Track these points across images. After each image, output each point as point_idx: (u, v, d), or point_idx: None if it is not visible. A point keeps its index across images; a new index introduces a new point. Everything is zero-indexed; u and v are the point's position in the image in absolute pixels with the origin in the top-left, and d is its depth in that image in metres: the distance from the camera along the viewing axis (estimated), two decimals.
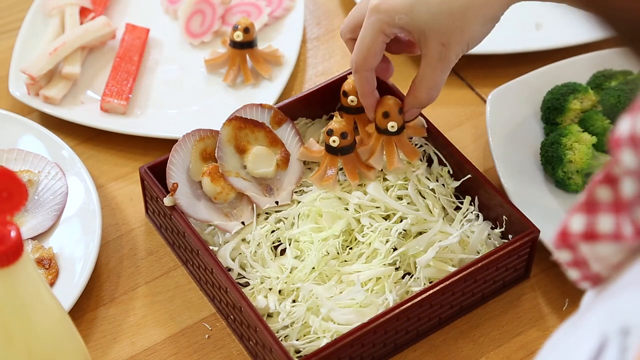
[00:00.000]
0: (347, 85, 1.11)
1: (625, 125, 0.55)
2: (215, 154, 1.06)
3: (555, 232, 0.61)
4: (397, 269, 1.03)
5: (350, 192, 1.06)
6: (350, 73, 1.10)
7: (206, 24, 1.28)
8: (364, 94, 1.06)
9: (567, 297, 1.05)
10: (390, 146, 1.07)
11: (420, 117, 1.10)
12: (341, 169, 1.08)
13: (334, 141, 1.06)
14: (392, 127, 1.07)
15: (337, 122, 1.07)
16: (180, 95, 1.24)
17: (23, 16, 1.29)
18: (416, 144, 1.11)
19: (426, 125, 1.10)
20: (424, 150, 1.11)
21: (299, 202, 1.07)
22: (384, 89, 1.10)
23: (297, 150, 1.10)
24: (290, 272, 1.02)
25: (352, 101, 1.10)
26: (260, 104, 1.10)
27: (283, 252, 1.05)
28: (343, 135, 1.06)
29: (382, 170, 1.08)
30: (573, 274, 0.62)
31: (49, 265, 1.04)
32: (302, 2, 1.31)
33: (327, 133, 1.07)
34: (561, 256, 0.61)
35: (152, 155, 1.17)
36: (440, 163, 1.10)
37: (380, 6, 0.99)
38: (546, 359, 0.59)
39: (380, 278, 1.01)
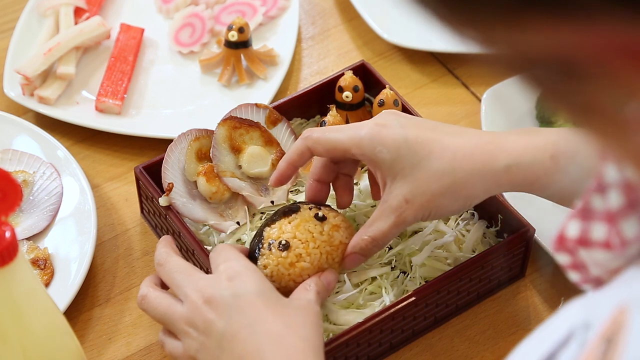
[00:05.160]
0: (343, 81, 1.11)
1: None
2: (211, 154, 1.06)
3: (554, 236, 0.61)
4: (392, 268, 1.03)
5: None
6: (347, 70, 1.10)
7: (195, 36, 1.28)
8: (291, 161, 0.96)
9: (562, 296, 1.06)
10: None
11: None
12: None
13: None
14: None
15: (332, 116, 1.07)
16: (175, 95, 1.24)
17: (17, 16, 1.29)
18: None
19: None
20: None
21: (294, 202, 1.07)
22: (381, 85, 1.11)
23: None
24: None
25: (346, 97, 1.10)
26: (255, 104, 1.10)
27: None
28: None
29: None
30: (573, 276, 0.62)
31: (44, 266, 1.04)
32: (297, 2, 1.31)
33: (320, 124, 1.07)
34: (560, 259, 0.61)
35: (147, 155, 1.17)
36: None
37: (380, 133, 0.91)
38: (521, 347, 0.60)
39: (375, 278, 1.01)
